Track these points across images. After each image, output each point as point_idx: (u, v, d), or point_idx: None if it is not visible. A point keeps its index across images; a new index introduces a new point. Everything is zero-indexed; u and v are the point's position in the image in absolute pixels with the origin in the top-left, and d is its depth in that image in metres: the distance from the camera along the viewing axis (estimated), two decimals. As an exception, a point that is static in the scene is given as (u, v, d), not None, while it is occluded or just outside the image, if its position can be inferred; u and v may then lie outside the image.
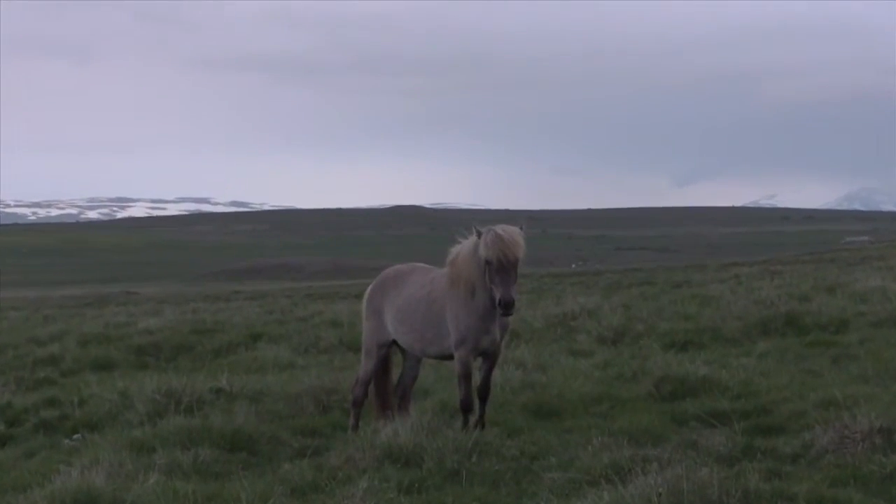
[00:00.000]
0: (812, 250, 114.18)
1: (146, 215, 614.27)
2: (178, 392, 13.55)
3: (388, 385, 11.94)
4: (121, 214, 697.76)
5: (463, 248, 10.95)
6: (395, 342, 11.68)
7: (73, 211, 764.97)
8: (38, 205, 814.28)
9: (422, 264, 11.97)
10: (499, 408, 12.32)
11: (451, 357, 11.12)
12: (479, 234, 10.64)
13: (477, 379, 11.18)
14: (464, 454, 9.90)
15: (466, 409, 10.95)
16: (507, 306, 10.30)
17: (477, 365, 11.21)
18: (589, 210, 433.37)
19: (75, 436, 13.21)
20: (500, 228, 10.58)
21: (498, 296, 10.34)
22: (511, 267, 10.42)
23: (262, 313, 35.56)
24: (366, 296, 11.95)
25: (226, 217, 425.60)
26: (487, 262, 10.46)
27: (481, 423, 10.92)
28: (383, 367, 11.88)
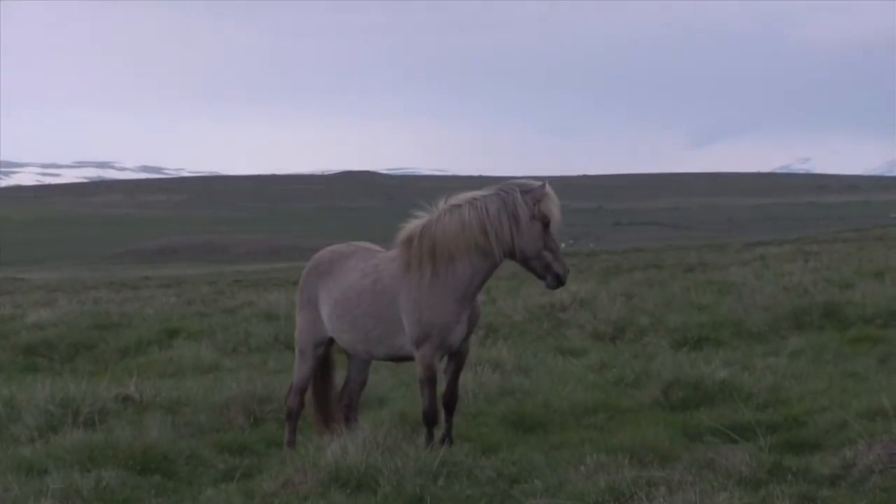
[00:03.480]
0: (855, 226, 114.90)
1: (36, 183, 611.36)
2: (76, 401, 13.50)
3: (328, 393, 11.89)
4: (5, 183, 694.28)
5: (459, 212, 10.71)
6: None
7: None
8: None
9: (365, 244, 11.80)
10: (471, 419, 12.35)
11: (403, 358, 11.16)
12: (516, 191, 10.63)
13: (442, 384, 11.17)
14: (428, 476, 9.91)
15: (431, 421, 10.94)
16: (567, 275, 10.72)
17: (441, 366, 11.21)
18: (582, 177, 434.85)
19: (-52, 455, 13.13)
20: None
21: (557, 267, 10.62)
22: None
23: (180, 304, 35.50)
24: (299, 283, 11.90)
25: (134, 185, 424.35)
26: (546, 224, 10.62)
27: (449, 438, 10.93)
28: (322, 370, 11.84)
